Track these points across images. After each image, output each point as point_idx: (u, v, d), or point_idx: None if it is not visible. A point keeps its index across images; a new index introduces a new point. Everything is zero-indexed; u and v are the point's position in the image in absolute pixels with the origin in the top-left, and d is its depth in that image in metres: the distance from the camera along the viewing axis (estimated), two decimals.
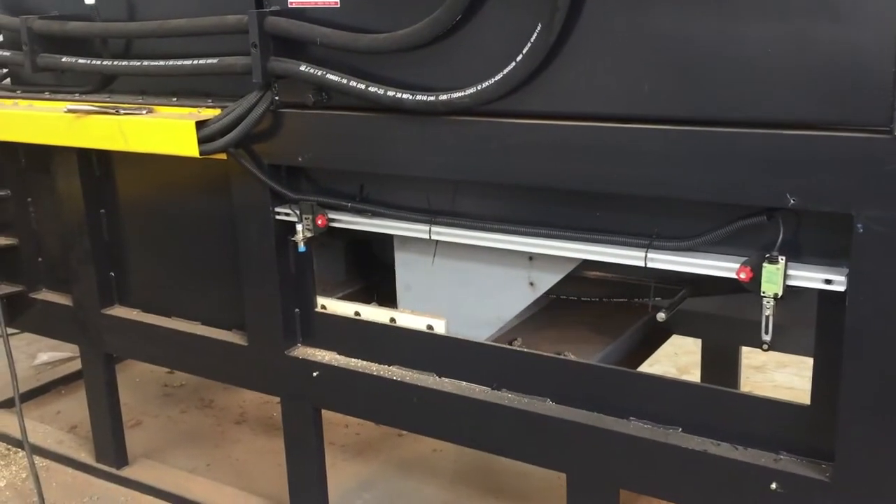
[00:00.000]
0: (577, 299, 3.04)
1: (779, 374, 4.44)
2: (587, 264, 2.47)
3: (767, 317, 2.04)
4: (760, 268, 2.00)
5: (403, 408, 2.68)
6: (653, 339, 3.13)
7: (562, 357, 2.51)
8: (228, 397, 4.41)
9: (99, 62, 2.99)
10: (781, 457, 2.13)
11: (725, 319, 3.12)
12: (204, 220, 3.10)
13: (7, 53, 3.29)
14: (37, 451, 3.75)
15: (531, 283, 2.61)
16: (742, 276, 2.03)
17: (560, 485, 2.51)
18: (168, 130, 2.75)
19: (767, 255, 1.99)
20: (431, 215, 2.51)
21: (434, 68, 2.32)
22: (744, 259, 2.05)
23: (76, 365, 4.80)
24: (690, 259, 2.14)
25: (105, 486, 3.62)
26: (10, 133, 3.20)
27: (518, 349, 2.59)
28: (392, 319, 2.75)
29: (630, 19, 2.01)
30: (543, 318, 3.02)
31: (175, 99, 2.94)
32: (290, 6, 2.52)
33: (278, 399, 3.84)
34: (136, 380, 4.66)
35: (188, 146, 2.71)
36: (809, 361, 2.14)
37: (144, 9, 2.97)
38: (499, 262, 2.58)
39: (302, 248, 2.73)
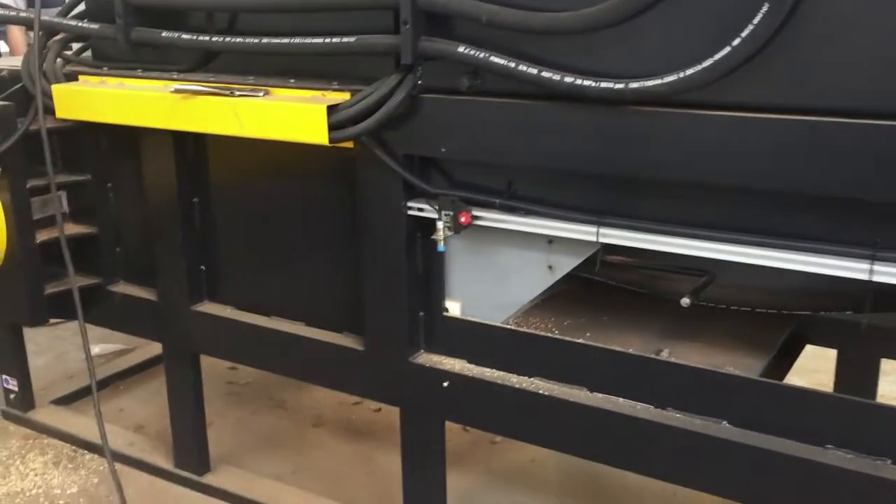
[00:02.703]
0: (725, 308, 2.80)
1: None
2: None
3: None
4: None
5: (550, 425, 2.46)
6: (792, 351, 2.91)
7: (739, 375, 2.28)
8: (301, 397, 4.17)
9: (207, 38, 2.73)
10: None
11: (868, 329, 2.90)
12: (314, 211, 2.86)
13: (95, 26, 3.03)
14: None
15: (550, 267, 2.50)
16: None
17: (678, 500, 2.28)
18: (293, 115, 2.50)
19: None
20: (598, 215, 2.26)
21: (618, 51, 2.08)
22: None
23: (133, 358, 4.58)
24: None
25: (187, 494, 3.38)
26: (100, 113, 2.95)
27: (690, 364, 2.35)
28: None
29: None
30: (679, 327, 2.79)
31: (292, 80, 2.68)
32: None
33: (354, 400, 3.65)
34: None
35: (316, 133, 2.47)
36: None
37: None
38: (516, 244, 2.50)
39: (441, 247, 2.49)
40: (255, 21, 2.78)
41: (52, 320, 3.42)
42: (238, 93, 2.62)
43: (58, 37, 3.23)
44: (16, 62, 3.42)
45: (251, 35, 2.68)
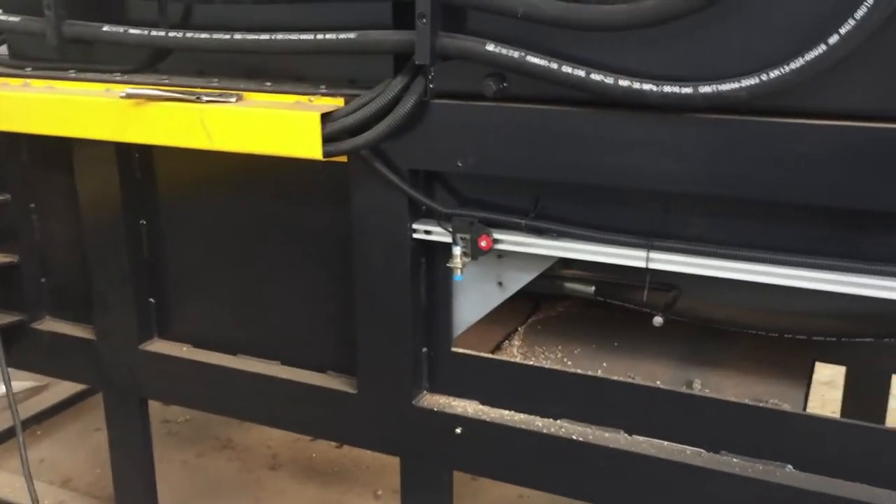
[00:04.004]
0: (757, 334, 2.56)
1: None
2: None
3: None
4: None
5: (587, 475, 2.16)
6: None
7: (805, 413, 2.05)
8: (248, 435, 3.76)
9: (163, 33, 2.31)
10: None
11: (878, 346, 2.75)
12: (291, 233, 2.48)
13: (15, 19, 2.55)
14: None
15: (500, 283, 2.28)
16: None
17: None
18: (278, 125, 2.12)
19: None
20: (647, 238, 1.98)
21: (683, 50, 1.79)
22: None
23: (49, 397, 4.06)
24: None
25: None
26: (26, 122, 2.48)
27: (742, 402, 2.09)
28: None
29: None
30: (696, 351, 2.56)
31: (269, 83, 2.30)
32: None
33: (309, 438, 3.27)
34: None
35: (307, 146, 2.10)
36: None
37: None
38: None
39: (458, 276, 2.16)
40: (212, 13, 2.39)
41: None
42: (206, 98, 2.22)
43: None
44: None
45: (208, 30, 2.28)
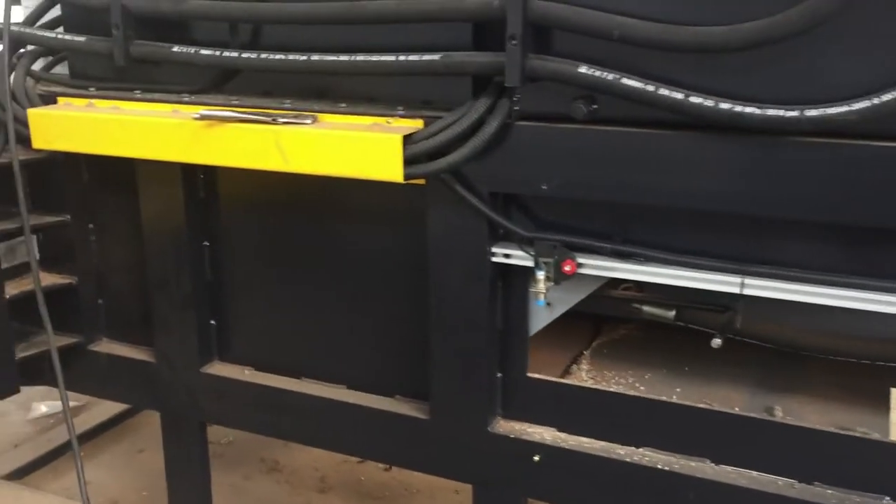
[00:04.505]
0: (826, 357, 2.51)
1: None
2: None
3: None
4: None
5: None
6: None
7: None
8: (295, 456, 3.71)
9: (236, 55, 2.28)
10: None
11: None
12: (359, 255, 2.44)
13: (81, 39, 2.53)
14: None
15: (548, 304, 2.22)
16: None
17: None
18: (357, 147, 2.09)
19: None
20: (741, 263, 1.94)
21: (787, 72, 1.76)
22: None
23: (90, 418, 4.01)
24: None
25: None
26: (92, 143, 2.45)
27: (831, 431, 2.04)
28: None
29: None
30: (770, 376, 2.50)
31: (343, 105, 2.26)
32: None
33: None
34: None
35: (387, 168, 2.06)
36: None
37: None
38: None
39: (541, 301, 2.12)
40: (276, 34, 2.35)
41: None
42: (282, 120, 2.19)
43: (25, 50, 2.70)
44: None
45: (275, 50, 2.25)
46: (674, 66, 1.83)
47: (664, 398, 2.20)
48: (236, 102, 2.37)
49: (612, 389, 2.25)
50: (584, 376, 2.51)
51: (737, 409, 2.25)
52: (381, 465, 3.56)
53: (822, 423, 2.16)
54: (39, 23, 2.73)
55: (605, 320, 2.82)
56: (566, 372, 2.55)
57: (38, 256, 2.80)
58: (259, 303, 2.65)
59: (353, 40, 2.20)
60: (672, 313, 2.39)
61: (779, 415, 2.25)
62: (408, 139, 2.05)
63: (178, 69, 2.46)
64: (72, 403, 4.09)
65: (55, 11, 2.72)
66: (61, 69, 2.80)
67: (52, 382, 2.80)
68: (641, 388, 2.41)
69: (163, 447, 2.85)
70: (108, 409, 3.92)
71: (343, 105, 2.26)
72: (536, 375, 2.28)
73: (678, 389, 2.39)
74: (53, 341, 2.63)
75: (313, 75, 2.29)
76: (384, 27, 2.14)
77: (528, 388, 2.29)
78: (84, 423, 3.94)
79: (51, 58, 2.80)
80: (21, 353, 2.74)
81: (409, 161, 2.06)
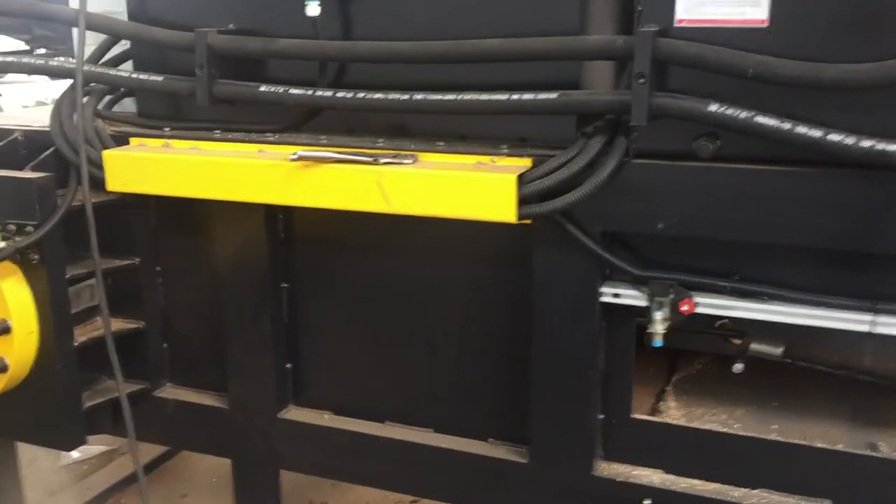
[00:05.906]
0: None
1: None
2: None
3: None
4: None
5: None
6: None
7: None
8: (343, 498, 3.63)
9: (330, 94, 2.23)
10: None
11: None
12: (448, 295, 2.39)
13: (159, 79, 2.47)
14: None
15: None
16: None
17: None
18: (468, 188, 2.05)
19: None
20: (872, 301, 1.92)
21: None
22: None
23: (126, 462, 3.88)
24: None
25: None
26: (173, 185, 2.39)
27: None
28: None
29: None
30: (869, 411, 2.47)
31: (441, 144, 2.22)
32: (680, 24, 1.89)
33: (410, 498, 3.18)
34: (213, 479, 3.77)
35: (500, 209, 2.03)
36: None
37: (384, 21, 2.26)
38: None
39: (659, 342, 2.08)
40: (366, 72, 2.31)
41: None
42: (382, 160, 2.14)
43: (89, 88, 2.64)
44: (29, 119, 2.79)
45: (361, 89, 2.21)
46: (793, 101, 1.82)
47: (777, 438, 2.16)
48: (325, 141, 2.33)
49: (720, 429, 2.21)
50: (675, 414, 2.47)
51: (840, 445, 2.23)
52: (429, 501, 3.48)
53: None
54: (103, 60, 2.68)
55: (679, 354, 2.79)
56: (654, 410, 2.51)
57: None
58: (336, 345, 2.58)
59: (435, 77, 2.16)
60: (780, 350, 2.35)
61: (885, 451, 2.22)
62: (521, 178, 2.02)
63: (258, 108, 2.41)
64: (104, 448, 4.00)
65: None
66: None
67: (115, 431, 2.72)
68: (736, 425, 2.38)
69: (234, 494, 2.76)
70: (146, 452, 3.80)
71: (441, 144, 2.22)
72: (641, 416, 2.24)
73: (775, 426, 2.36)
74: (123, 389, 2.54)
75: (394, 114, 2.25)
76: (479, 66, 2.11)
77: (631, 430, 2.24)
78: (121, 467, 3.83)
79: (110, 96, 2.74)
80: (87, 401, 2.63)
81: (521, 201, 2.02)
